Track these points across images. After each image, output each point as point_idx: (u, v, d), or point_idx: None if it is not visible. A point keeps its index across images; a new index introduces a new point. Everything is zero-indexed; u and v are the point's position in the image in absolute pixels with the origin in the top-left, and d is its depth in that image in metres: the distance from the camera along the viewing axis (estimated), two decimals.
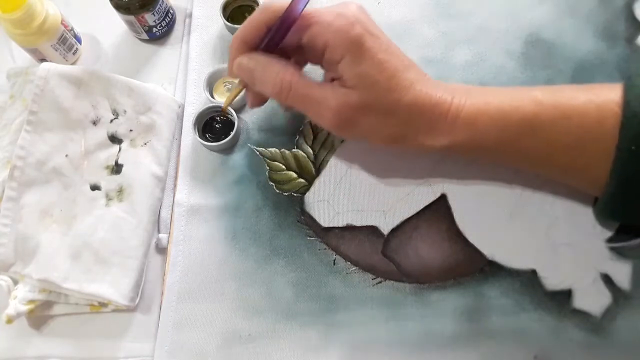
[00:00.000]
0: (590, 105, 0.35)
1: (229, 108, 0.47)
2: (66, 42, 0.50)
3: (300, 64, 0.42)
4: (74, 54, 0.52)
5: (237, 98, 0.48)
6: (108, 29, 0.53)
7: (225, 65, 0.49)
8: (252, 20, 0.38)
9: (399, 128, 0.37)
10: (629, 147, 0.33)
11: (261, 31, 0.38)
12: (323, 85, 0.37)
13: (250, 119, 0.48)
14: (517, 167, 0.41)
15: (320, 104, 0.37)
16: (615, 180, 0.35)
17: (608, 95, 0.35)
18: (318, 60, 0.39)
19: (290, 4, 0.35)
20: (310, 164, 0.46)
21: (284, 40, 0.37)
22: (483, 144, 0.37)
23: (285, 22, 0.36)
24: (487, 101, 0.37)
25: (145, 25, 0.50)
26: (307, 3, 0.36)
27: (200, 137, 0.47)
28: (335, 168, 0.46)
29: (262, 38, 0.38)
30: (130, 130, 0.47)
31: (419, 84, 0.37)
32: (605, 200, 0.37)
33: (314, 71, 0.42)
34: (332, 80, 0.38)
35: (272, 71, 0.37)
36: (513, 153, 0.38)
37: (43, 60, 0.50)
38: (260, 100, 0.43)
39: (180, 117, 0.49)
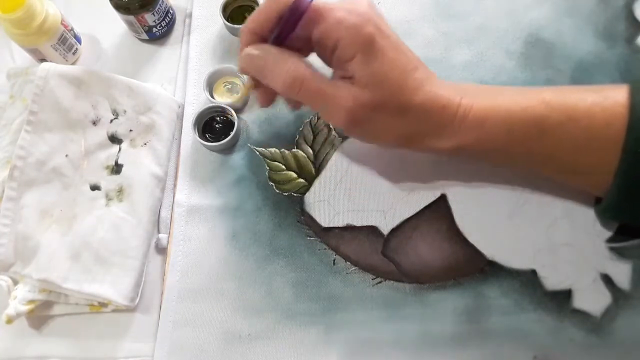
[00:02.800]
0: (597, 108, 0.35)
1: (229, 108, 0.47)
2: (66, 42, 0.50)
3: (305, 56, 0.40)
4: (74, 54, 0.52)
5: (237, 98, 0.48)
6: (108, 29, 0.53)
7: (226, 65, 0.49)
8: (263, 10, 0.37)
9: (408, 128, 0.37)
10: (635, 150, 0.34)
11: (271, 22, 0.37)
12: (335, 82, 0.36)
13: (250, 119, 0.48)
14: (523, 168, 0.41)
15: (332, 102, 0.36)
16: (620, 182, 0.35)
17: (615, 98, 0.35)
18: (327, 57, 0.38)
19: None
20: (310, 164, 0.46)
21: (293, 32, 0.36)
22: (490, 145, 0.37)
23: (294, 12, 0.35)
24: (495, 102, 0.37)
25: (145, 25, 0.50)
26: None
27: (200, 137, 0.47)
28: (335, 168, 0.46)
29: (272, 29, 0.37)
30: (130, 130, 0.47)
31: (428, 85, 0.37)
32: (609, 201, 0.37)
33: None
34: (342, 78, 0.37)
35: (283, 64, 0.36)
36: (520, 154, 0.38)
37: (43, 60, 0.50)
38: (271, 97, 0.42)
39: (180, 117, 0.49)
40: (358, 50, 0.35)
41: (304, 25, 0.36)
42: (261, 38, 0.38)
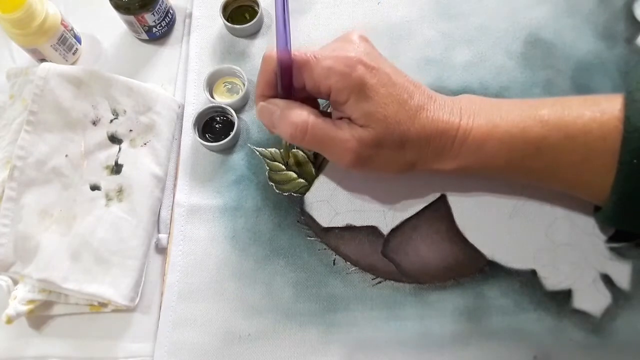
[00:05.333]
0: (594, 124, 0.35)
1: (229, 108, 0.47)
2: (66, 42, 0.50)
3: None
4: (73, 54, 0.52)
5: (237, 98, 0.48)
6: (108, 29, 0.53)
7: (226, 65, 0.49)
8: (261, 73, 0.39)
9: (410, 157, 0.38)
10: (630, 161, 0.34)
11: (272, 81, 0.39)
12: (339, 125, 0.38)
13: (250, 119, 0.48)
14: (523, 182, 0.41)
15: (337, 146, 0.37)
16: (617, 193, 0.35)
17: (611, 111, 0.35)
18: (326, 99, 0.39)
19: (277, 50, 0.37)
20: (310, 164, 0.46)
21: (292, 82, 0.38)
22: (490, 165, 0.38)
23: (282, 67, 0.37)
24: (494, 123, 0.37)
25: (145, 25, 0.50)
26: (289, 44, 0.37)
27: (200, 137, 0.47)
28: (335, 168, 0.46)
29: (277, 82, 0.39)
30: (130, 130, 0.47)
31: (425, 111, 0.37)
32: (607, 212, 0.37)
33: None
34: (341, 118, 0.38)
35: (288, 114, 0.38)
36: (519, 172, 0.39)
37: (43, 60, 0.50)
38: None
39: (180, 117, 0.49)
40: (350, 94, 0.36)
41: (297, 75, 0.38)
42: (271, 97, 0.40)
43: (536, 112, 0.37)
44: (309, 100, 0.41)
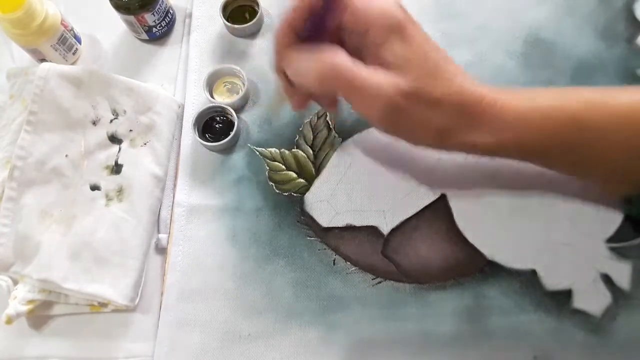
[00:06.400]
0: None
1: (229, 108, 0.47)
2: (66, 42, 0.50)
3: None
4: (73, 54, 0.52)
5: (237, 98, 0.48)
6: (108, 29, 0.53)
7: (226, 65, 0.49)
8: (295, 10, 0.35)
9: (444, 121, 0.35)
10: None
11: (300, 20, 0.35)
12: (373, 68, 0.34)
13: (250, 119, 0.48)
14: (566, 173, 0.39)
15: (371, 91, 0.34)
16: None
17: None
18: (357, 47, 0.36)
19: None
20: (310, 164, 0.46)
21: (326, 21, 0.35)
22: (531, 142, 0.35)
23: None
24: (533, 99, 0.35)
25: (145, 25, 0.50)
26: None
27: (200, 137, 0.47)
28: (335, 168, 0.46)
29: (307, 21, 0.35)
30: (130, 130, 0.47)
31: (460, 77, 0.35)
32: None
33: None
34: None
35: (319, 54, 0.34)
36: (559, 151, 0.36)
37: (43, 60, 0.50)
38: (306, 100, 0.40)
39: (180, 117, 0.49)
40: (390, 34, 0.34)
41: (332, 16, 0.34)
42: (298, 30, 0.36)
43: (577, 92, 0.35)
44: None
